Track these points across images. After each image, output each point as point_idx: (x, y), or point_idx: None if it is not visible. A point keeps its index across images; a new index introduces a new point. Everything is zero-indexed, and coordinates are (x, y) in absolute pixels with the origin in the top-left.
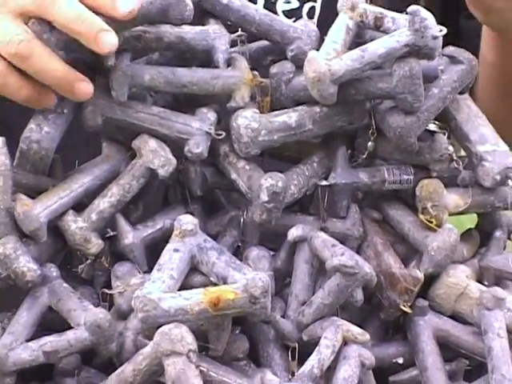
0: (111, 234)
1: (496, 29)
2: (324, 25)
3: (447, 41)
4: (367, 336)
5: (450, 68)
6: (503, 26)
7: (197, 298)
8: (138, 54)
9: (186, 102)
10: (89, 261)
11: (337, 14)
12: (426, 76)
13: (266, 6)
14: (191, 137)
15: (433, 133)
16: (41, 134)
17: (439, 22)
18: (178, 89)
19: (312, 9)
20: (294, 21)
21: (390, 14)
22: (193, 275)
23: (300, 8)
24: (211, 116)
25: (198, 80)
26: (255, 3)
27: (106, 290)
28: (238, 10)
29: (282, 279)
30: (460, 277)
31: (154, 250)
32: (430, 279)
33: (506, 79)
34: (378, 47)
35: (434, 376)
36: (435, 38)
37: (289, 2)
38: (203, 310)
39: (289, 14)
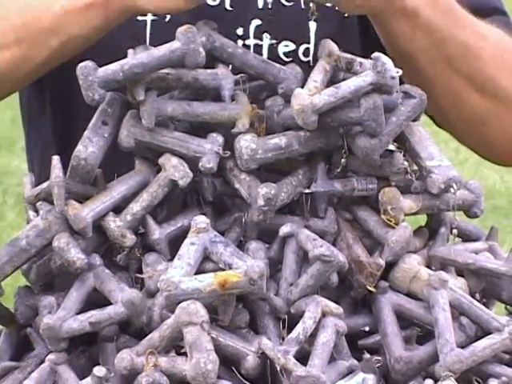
0: (142, 230)
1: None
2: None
3: None
4: (341, 310)
5: (405, 101)
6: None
7: (208, 281)
8: (162, 91)
9: (200, 128)
10: (125, 252)
11: None
12: (386, 107)
13: (269, 49)
14: (204, 155)
15: (392, 151)
16: (87, 153)
17: None
18: (193, 118)
19: (307, 49)
20: (292, 61)
21: (358, 59)
22: (205, 263)
23: (296, 49)
24: (219, 139)
25: (209, 111)
26: (261, 46)
27: (138, 275)
28: (240, 57)
29: (274, 266)
30: (413, 263)
31: (175, 243)
32: (390, 265)
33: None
34: (349, 85)
35: (393, 340)
36: (393, 77)
37: (287, 46)
38: (213, 290)
39: (288, 54)
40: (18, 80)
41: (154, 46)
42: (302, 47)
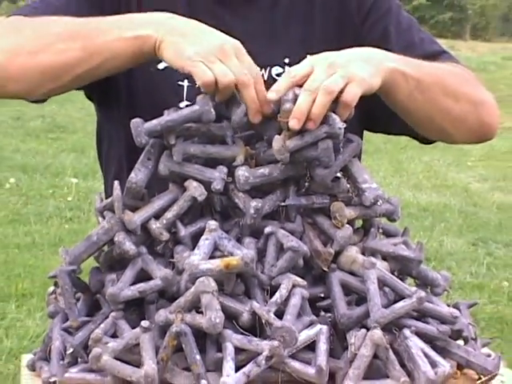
0: (173, 230)
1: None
2: None
3: None
4: (305, 283)
5: (348, 144)
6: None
7: (217, 264)
8: (187, 138)
9: (211, 162)
10: (162, 244)
11: None
12: (334, 148)
13: (268, 75)
14: (214, 180)
15: (339, 178)
16: (137, 178)
17: None
18: (207, 155)
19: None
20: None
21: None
22: (215, 252)
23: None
24: (224, 169)
25: (217, 151)
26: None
27: (171, 260)
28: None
29: (261, 254)
30: (353, 252)
31: (195, 239)
32: (337, 253)
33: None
34: (310, 134)
35: (339, 303)
36: (340, 128)
37: (277, 70)
38: (220, 269)
39: (279, 75)
40: (65, 82)
41: (189, 101)
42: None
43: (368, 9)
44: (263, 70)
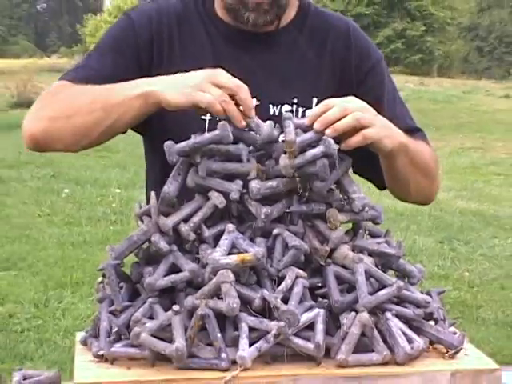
0: (199, 232)
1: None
2: None
3: None
4: (305, 274)
5: (340, 162)
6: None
7: (235, 259)
8: (209, 157)
9: (229, 176)
10: (189, 243)
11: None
12: (330, 166)
13: (279, 111)
14: (232, 191)
15: (333, 189)
16: (169, 190)
17: None
18: (226, 171)
19: (304, 111)
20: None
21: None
22: (233, 249)
23: (293, 111)
24: (240, 182)
25: (234, 167)
26: (270, 108)
27: (197, 256)
28: (250, 139)
29: (269, 251)
30: (345, 249)
31: (216, 239)
32: (332, 251)
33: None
34: (311, 153)
35: (334, 291)
36: (334, 149)
37: (287, 107)
38: (237, 264)
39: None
40: (94, 137)
41: (210, 131)
42: (301, 109)
43: (365, 73)
44: (275, 107)
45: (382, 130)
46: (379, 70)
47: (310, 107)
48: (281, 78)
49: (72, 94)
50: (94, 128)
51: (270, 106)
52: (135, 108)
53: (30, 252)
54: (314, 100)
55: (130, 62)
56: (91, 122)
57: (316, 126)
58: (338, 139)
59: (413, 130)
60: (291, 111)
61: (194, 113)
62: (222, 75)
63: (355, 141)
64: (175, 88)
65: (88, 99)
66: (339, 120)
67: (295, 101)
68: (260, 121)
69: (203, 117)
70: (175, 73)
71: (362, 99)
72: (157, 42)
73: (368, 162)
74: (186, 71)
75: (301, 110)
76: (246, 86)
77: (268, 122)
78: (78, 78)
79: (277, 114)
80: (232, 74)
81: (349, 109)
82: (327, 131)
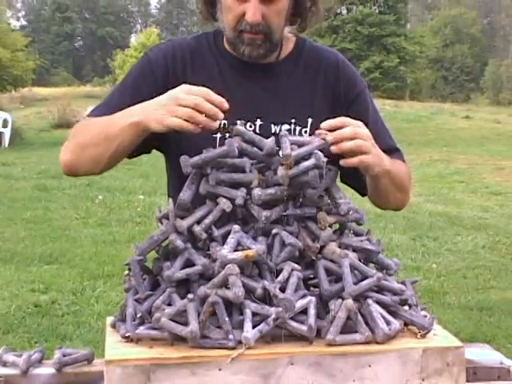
0: (209, 232)
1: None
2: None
3: None
4: (300, 267)
5: (328, 173)
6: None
7: (239, 254)
8: (218, 169)
9: (235, 185)
10: (202, 241)
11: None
12: (320, 175)
13: (280, 130)
14: (237, 197)
15: (322, 196)
16: (184, 196)
17: None
18: (232, 181)
19: (301, 130)
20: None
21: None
22: (238, 246)
23: (291, 129)
24: (244, 190)
25: (239, 177)
26: (272, 127)
27: (208, 252)
28: (253, 153)
29: (269, 248)
30: (333, 246)
31: (224, 238)
32: (322, 247)
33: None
34: (304, 165)
35: (323, 281)
36: (323, 161)
37: (286, 127)
38: (242, 259)
39: (287, 131)
40: (104, 163)
41: (220, 146)
42: (297, 128)
43: (352, 99)
44: (276, 126)
45: (375, 159)
46: (364, 96)
47: (306, 126)
48: (281, 101)
49: (87, 128)
50: (102, 157)
51: (272, 125)
52: (130, 136)
53: (69, 249)
54: (309, 120)
55: (147, 97)
56: (99, 152)
57: (329, 138)
58: (328, 153)
59: (392, 149)
60: (289, 130)
61: (206, 134)
62: (181, 94)
63: (352, 162)
64: (153, 114)
65: (96, 131)
66: (347, 139)
67: (293, 121)
68: (263, 138)
69: (214, 135)
70: None
71: None
72: (172, 74)
73: (352, 173)
74: None
75: (298, 128)
76: (206, 89)
77: (270, 139)
78: (99, 115)
79: (278, 132)
80: (238, 99)
81: (358, 134)
82: (333, 147)
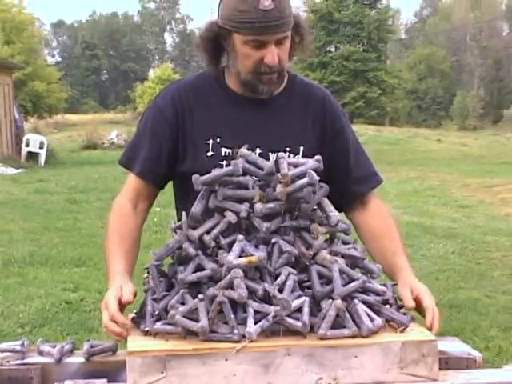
0: (217, 240)
1: None
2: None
3: None
4: (295, 271)
5: (320, 189)
6: None
7: (243, 260)
8: (225, 186)
9: (240, 200)
10: (210, 249)
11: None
12: (313, 192)
13: (276, 157)
14: (241, 211)
15: (315, 209)
16: (195, 210)
17: None
18: (237, 196)
19: (294, 156)
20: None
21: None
22: (242, 253)
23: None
24: (247, 204)
25: (243, 193)
26: (270, 155)
27: (216, 258)
28: (254, 172)
29: (269, 255)
30: (324, 253)
31: (230, 246)
32: (315, 254)
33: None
34: (299, 183)
35: (316, 284)
36: (316, 180)
37: (281, 154)
38: (245, 264)
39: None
40: None
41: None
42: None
43: (337, 131)
44: (273, 154)
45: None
46: (346, 129)
47: (298, 153)
48: (276, 132)
49: (107, 241)
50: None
51: (269, 153)
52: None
53: (95, 254)
54: (301, 148)
55: (164, 139)
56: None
57: (436, 325)
58: (320, 173)
59: (371, 174)
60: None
61: (215, 164)
62: (107, 301)
63: (436, 328)
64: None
65: (106, 251)
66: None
67: (288, 149)
68: (264, 159)
69: (221, 162)
70: (196, 126)
71: (335, 149)
72: (180, 111)
73: (333, 191)
74: (204, 123)
75: (292, 155)
76: (111, 298)
77: (270, 161)
78: (129, 166)
79: (274, 159)
80: (240, 130)
81: (435, 308)
82: (434, 328)
